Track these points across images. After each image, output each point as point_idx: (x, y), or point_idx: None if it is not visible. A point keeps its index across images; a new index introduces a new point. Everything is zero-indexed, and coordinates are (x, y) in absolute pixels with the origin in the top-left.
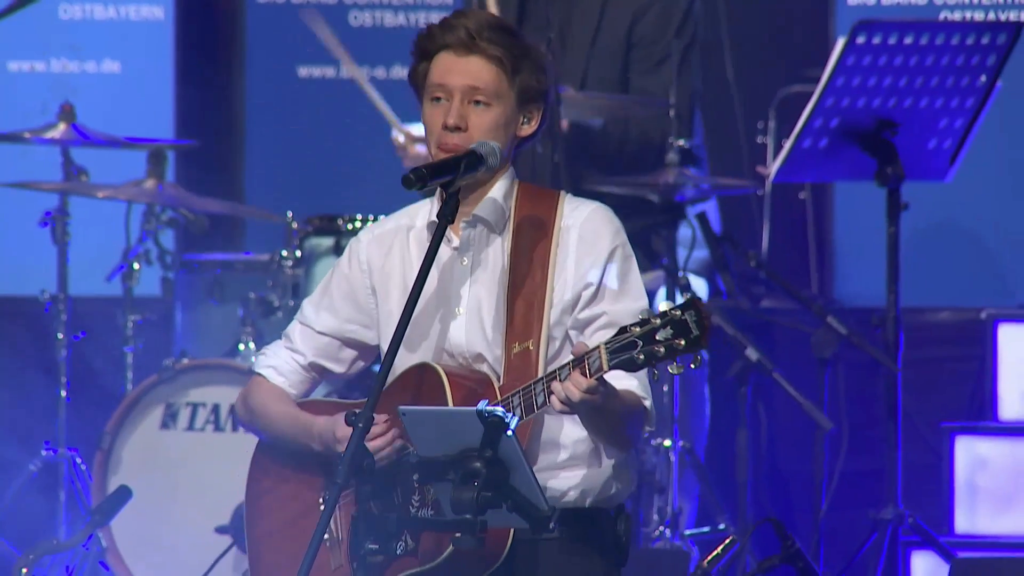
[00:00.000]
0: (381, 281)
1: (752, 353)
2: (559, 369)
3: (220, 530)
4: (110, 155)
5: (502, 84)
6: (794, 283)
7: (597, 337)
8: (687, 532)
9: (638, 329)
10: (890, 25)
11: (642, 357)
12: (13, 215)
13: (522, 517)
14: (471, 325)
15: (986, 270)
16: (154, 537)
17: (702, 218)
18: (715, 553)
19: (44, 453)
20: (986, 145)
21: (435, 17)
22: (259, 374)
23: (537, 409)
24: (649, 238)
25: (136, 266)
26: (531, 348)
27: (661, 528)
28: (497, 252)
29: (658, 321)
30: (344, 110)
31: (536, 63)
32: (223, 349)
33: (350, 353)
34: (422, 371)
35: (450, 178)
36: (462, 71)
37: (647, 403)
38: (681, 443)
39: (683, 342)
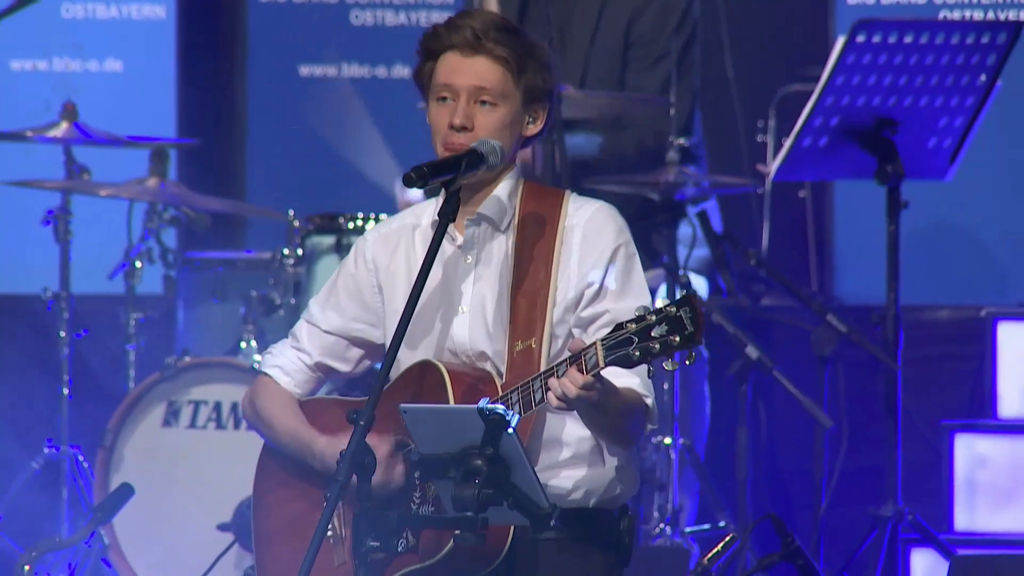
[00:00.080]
0: (387, 280)
1: (752, 351)
2: (556, 366)
3: (222, 527)
4: (112, 154)
5: (508, 84)
6: (794, 281)
7: (599, 336)
8: (687, 529)
9: (634, 326)
10: (890, 24)
11: (638, 353)
12: (16, 213)
13: (523, 514)
14: (474, 323)
15: (986, 268)
16: (156, 534)
17: (702, 216)
18: (715, 550)
19: (46, 451)
20: (986, 144)
21: (436, 16)
22: (265, 374)
23: (535, 406)
24: (649, 236)
25: (138, 264)
26: (534, 346)
27: (661, 525)
28: (501, 250)
29: (653, 318)
30: (345, 109)
31: (541, 63)
32: (225, 347)
33: (357, 352)
34: (424, 369)
35: (451, 176)
36: (468, 71)
37: (649, 401)
38: (681, 441)
39: (678, 338)
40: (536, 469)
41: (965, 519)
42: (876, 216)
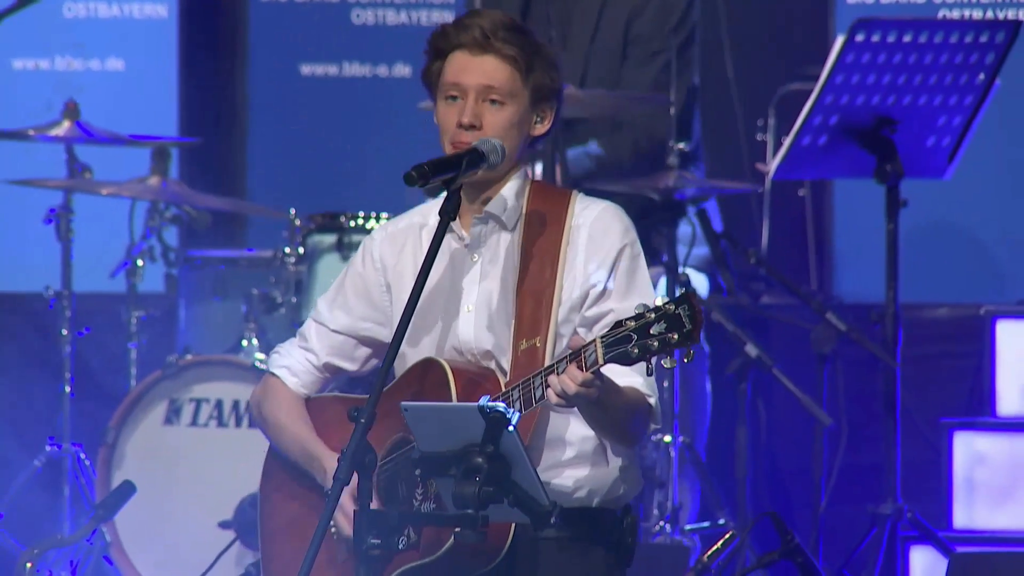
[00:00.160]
0: (395, 278)
1: (752, 349)
2: (556, 363)
3: (223, 525)
4: (114, 152)
5: (516, 83)
6: (793, 280)
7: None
8: (687, 527)
9: (633, 323)
10: (889, 23)
11: (636, 351)
12: (17, 212)
13: (524, 512)
14: (479, 321)
15: (985, 267)
16: (158, 532)
17: (702, 215)
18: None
19: (48, 449)
20: (985, 143)
21: (437, 15)
22: (273, 374)
23: (536, 403)
24: (649, 235)
25: (140, 263)
26: (538, 345)
27: (661, 523)
28: (507, 249)
29: (652, 315)
30: (346, 108)
31: (549, 62)
32: (226, 345)
33: (364, 351)
34: (428, 367)
35: (452, 175)
36: (477, 70)
37: (652, 400)
38: (681, 439)
39: (676, 336)
40: (539, 468)
41: (964, 517)
42: (875, 215)
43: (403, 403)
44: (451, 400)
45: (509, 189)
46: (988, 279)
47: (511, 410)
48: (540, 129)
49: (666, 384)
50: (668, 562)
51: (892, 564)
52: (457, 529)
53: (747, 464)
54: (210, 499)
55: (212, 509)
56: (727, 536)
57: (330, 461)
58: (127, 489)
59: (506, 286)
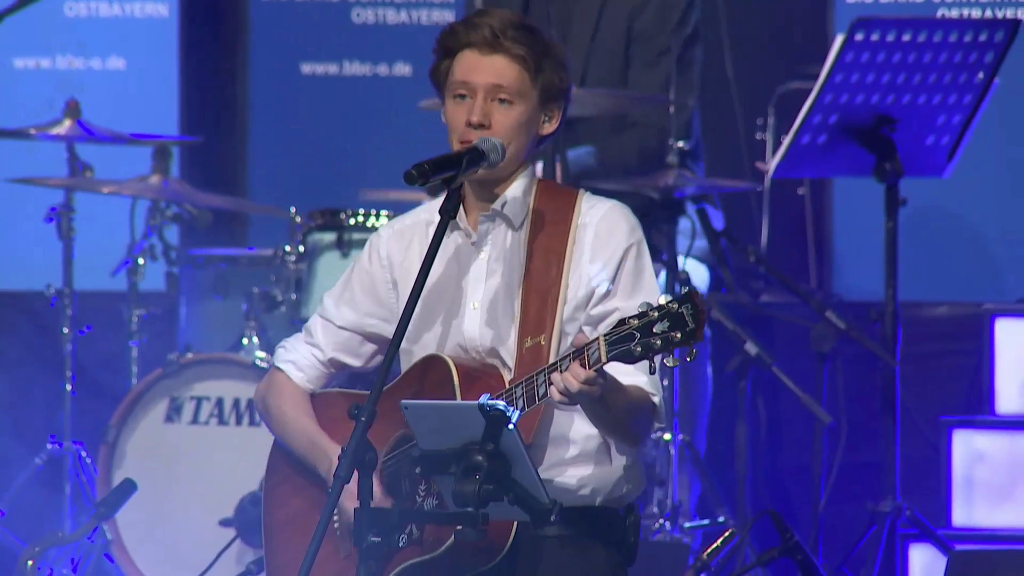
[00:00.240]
0: (401, 275)
1: (751, 347)
2: (560, 360)
3: (224, 523)
4: (115, 151)
5: (525, 83)
6: (793, 278)
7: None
8: (687, 525)
9: (636, 321)
10: (888, 22)
11: (639, 349)
12: (19, 211)
13: (523, 510)
14: (485, 319)
15: (984, 265)
16: (158, 530)
17: (702, 213)
18: (714, 546)
19: (49, 447)
20: (984, 141)
21: (437, 14)
22: (278, 369)
23: (539, 400)
24: (649, 233)
25: (141, 261)
26: (543, 343)
27: (661, 521)
28: (514, 247)
29: (655, 314)
30: (346, 107)
31: (558, 61)
32: (227, 343)
33: (370, 347)
34: (432, 364)
35: (452, 173)
36: (486, 69)
37: (656, 399)
38: (681, 436)
39: (679, 335)
40: (543, 466)
41: (963, 514)
42: (874, 213)
43: (403, 401)
44: (455, 397)
45: (517, 187)
46: (987, 277)
47: (511, 408)
48: (548, 128)
49: (665, 383)
50: (668, 560)
51: (891, 562)
52: (458, 527)
53: (746, 462)
54: (211, 497)
55: (213, 507)
56: (727, 534)
57: (335, 453)
58: (128, 487)
59: (512, 284)
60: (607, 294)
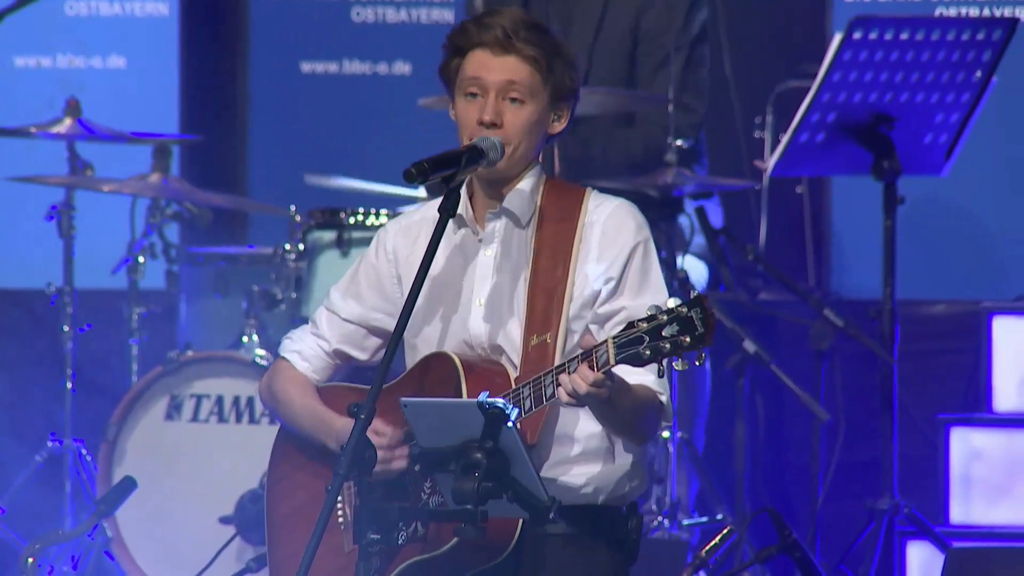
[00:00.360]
0: (407, 271)
1: (750, 345)
2: (568, 361)
3: (224, 520)
4: (115, 150)
5: (537, 83)
6: (791, 276)
7: (612, 333)
8: (685, 522)
9: (645, 325)
10: (886, 21)
11: (648, 352)
12: (19, 209)
13: (523, 508)
14: (490, 316)
15: (982, 263)
16: (158, 527)
17: (700, 212)
18: (713, 543)
19: (50, 444)
20: (982, 140)
21: (437, 13)
22: (284, 358)
23: (546, 401)
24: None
25: (141, 259)
26: (549, 341)
27: (659, 518)
28: (521, 245)
29: (665, 317)
30: (346, 105)
31: (568, 61)
32: (227, 341)
33: (375, 341)
34: (438, 360)
35: (452, 172)
36: (498, 68)
37: (663, 398)
38: (680, 434)
39: (688, 339)
40: (547, 464)
41: (960, 512)
42: (873, 211)
43: (403, 399)
44: (460, 394)
45: (524, 185)
46: (985, 275)
47: (510, 406)
48: (557, 127)
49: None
50: (666, 557)
51: (889, 559)
52: (461, 524)
53: (745, 459)
54: (211, 495)
55: (213, 505)
56: (725, 531)
57: (339, 422)
58: (128, 485)
59: (518, 281)
60: (614, 292)
